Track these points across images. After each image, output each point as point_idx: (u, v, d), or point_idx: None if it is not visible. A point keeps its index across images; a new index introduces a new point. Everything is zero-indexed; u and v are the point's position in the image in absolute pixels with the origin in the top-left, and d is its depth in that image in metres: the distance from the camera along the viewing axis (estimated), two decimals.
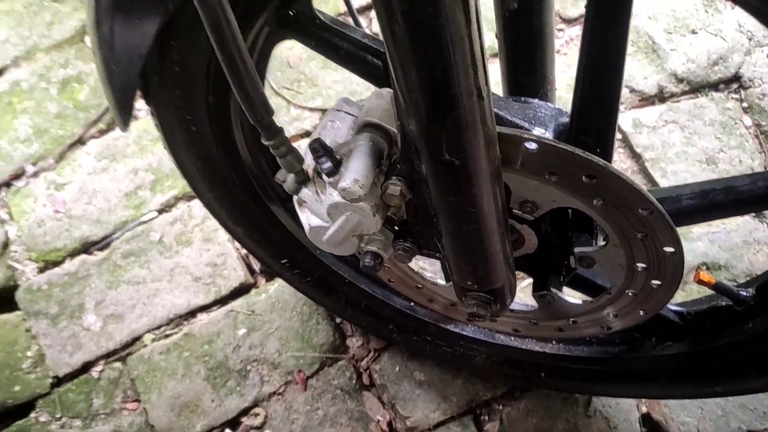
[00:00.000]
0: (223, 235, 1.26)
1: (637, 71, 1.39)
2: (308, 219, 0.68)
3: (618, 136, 1.35)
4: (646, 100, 1.38)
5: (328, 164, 0.60)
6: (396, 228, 0.72)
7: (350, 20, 0.81)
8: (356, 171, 0.58)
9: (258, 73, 0.82)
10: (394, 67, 0.46)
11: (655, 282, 0.67)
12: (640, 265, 0.65)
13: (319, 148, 0.59)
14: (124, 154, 1.34)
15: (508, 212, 0.64)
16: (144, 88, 0.71)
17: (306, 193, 0.64)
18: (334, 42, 0.67)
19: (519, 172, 0.59)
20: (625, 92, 1.37)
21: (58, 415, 1.18)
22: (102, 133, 1.37)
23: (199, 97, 0.70)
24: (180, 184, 1.31)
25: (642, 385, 0.94)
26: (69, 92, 1.39)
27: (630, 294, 0.70)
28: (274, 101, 1.38)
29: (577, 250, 0.70)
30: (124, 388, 1.20)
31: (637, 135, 1.35)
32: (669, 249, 0.62)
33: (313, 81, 1.39)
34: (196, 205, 1.29)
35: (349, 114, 0.67)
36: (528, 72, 0.74)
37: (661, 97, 1.38)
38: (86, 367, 1.21)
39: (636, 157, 1.33)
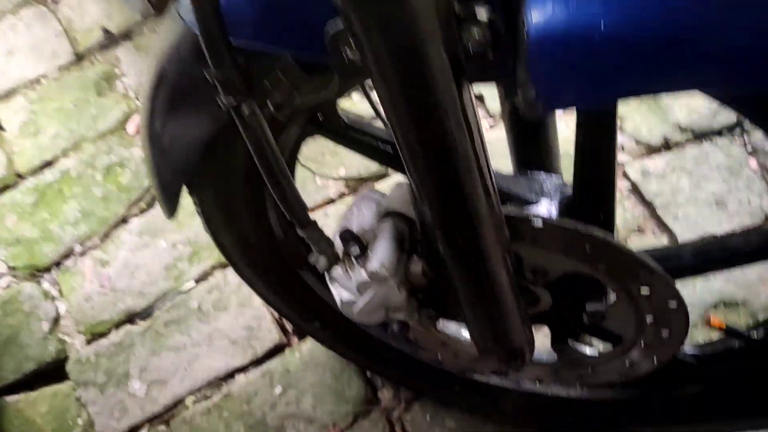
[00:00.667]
0: (257, 299, 1.34)
1: (642, 124, 1.46)
2: (339, 294, 0.75)
3: (628, 185, 1.42)
4: (653, 150, 1.45)
5: (356, 250, 0.68)
6: (420, 296, 0.78)
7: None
8: (382, 255, 0.67)
9: (290, 163, 0.91)
10: (409, 172, 0.54)
11: (664, 332, 0.72)
12: (648, 318, 0.71)
13: (348, 237, 0.68)
14: (163, 230, 1.45)
15: (521, 277, 0.70)
16: (188, 182, 0.79)
17: (337, 272, 0.72)
18: (356, 137, 0.77)
19: (529, 245, 0.67)
20: (631, 144, 1.45)
21: None
22: (142, 211, 1.48)
23: (238, 189, 0.79)
24: (216, 254, 1.40)
25: (665, 425, 0.97)
26: (113, 176, 1.51)
27: (642, 344, 0.75)
28: (300, 173, 1.49)
29: (588, 307, 0.76)
30: None
31: (647, 183, 1.41)
32: (672, 304, 0.67)
33: (335, 152, 1.49)
34: (231, 272, 1.37)
35: (373, 201, 0.75)
36: (533, 148, 0.82)
37: (666, 146, 1.45)
38: (132, 431, 1.27)
39: (647, 204, 1.39)
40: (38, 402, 1.30)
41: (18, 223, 1.47)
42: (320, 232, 0.67)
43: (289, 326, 1.33)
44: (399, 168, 0.77)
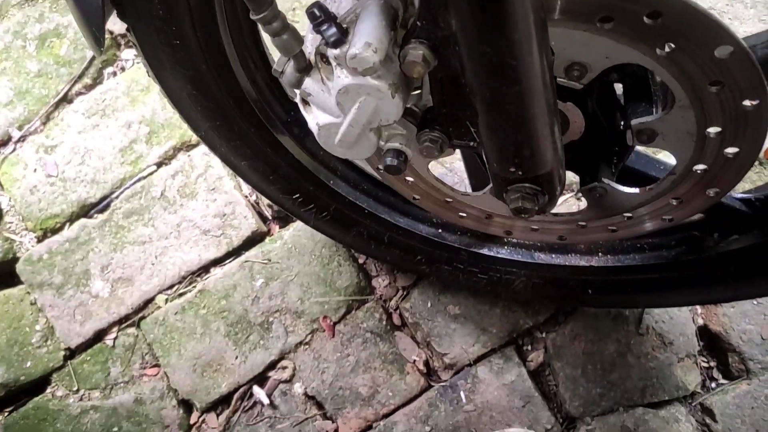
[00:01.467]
0: (228, 182, 1.17)
1: None
2: (316, 117, 0.59)
3: None
4: None
5: (332, 30, 0.50)
6: (419, 121, 0.62)
7: None
8: (367, 34, 0.49)
9: None
10: None
11: (731, 150, 0.57)
12: (714, 130, 0.56)
13: (320, 13, 0.50)
14: (114, 108, 1.25)
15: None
16: (117, 2, 0.62)
17: (310, 83, 0.55)
18: None
19: (563, 22, 0.50)
20: None
21: (75, 388, 1.12)
22: (88, 88, 1.28)
23: (181, 4, 0.61)
24: (178, 134, 1.21)
25: (704, 290, 0.85)
26: (48, 48, 1.29)
27: (699, 170, 0.61)
28: None
29: (634, 122, 0.60)
30: (141, 354, 1.12)
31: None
32: (750, 102, 0.52)
33: None
34: (197, 153, 1.20)
35: None
36: None
37: None
38: (99, 335, 1.14)
39: None
40: None
41: None
42: (283, 17, 0.50)
43: (267, 211, 1.18)
44: None
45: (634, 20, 0.49)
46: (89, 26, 0.56)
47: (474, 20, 0.45)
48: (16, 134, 1.25)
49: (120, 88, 1.26)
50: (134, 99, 1.25)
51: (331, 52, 0.52)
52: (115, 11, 0.61)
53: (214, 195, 1.18)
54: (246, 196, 1.18)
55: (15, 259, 1.18)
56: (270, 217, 1.18)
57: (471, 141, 0.59)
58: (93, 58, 1.27)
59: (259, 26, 0.52)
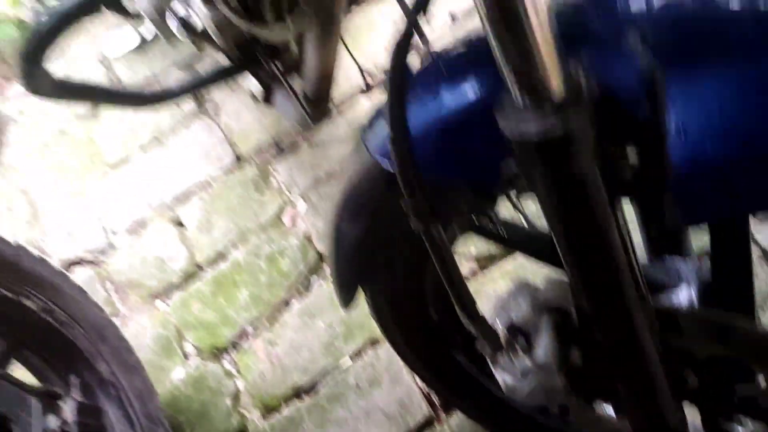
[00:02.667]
0: (406, 375, 1.48)
1: None
2: (504, 378, 0.86)
3: (758, 252, 1.41)
4: None
5: (522, 343, 0.78)
6: (578, 380, 0.86)
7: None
8: (544, 348, 0.77)
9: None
10: (569, 276, 0.63)
11: None
12: None
13: (515, 331, 0.79)
14: (320, 311, 1.64)
15: (669, 360, 0.75)
16: (361, 280, 0.93)
17: (502, 358, 0.83)
18: (510, 237, 0.87)
19: (676, 333, 0.73)
20: None
21: None
22: (300, 294, 1.69)
23: (403, 285, 0.93)
24: (367, 333, 1.56)
25: None
26: (274, 264, 1.74)
27: None
28: None
29: (738, 390, 0.79)
30: None
31: None
32: None
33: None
34: (382, 349, 1.53)
35: (528, 293, 0.82)
36: (666, 232, 0.89)
37: None
38: None
39: None
40: None
41: (202, 309, 1.73)
42: (488, 324, 0.78)
43: (436, 400, 1.46)
44: (552, 263, 0.84)
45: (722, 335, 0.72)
46: (342, 290, 0.90)
47: (611, 350, 0.70)
48: (250, 330, 1.67)
49: (324, 294, 1.66)
50: (334, 304, 1.63)
51: (519, 354, 0.80)
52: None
53: (395, 385, 1.49)
54: (420, 388, 1.47)
55: (245, 431, 1.56)
56: (438, 405, 1.46)
57: (615, 401, 0.83)
58: (308, 272, 1.69)
59: None
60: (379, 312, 1.02)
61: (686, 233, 0.89)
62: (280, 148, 1.90)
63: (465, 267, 1.60)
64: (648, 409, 0.78)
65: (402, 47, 0.54)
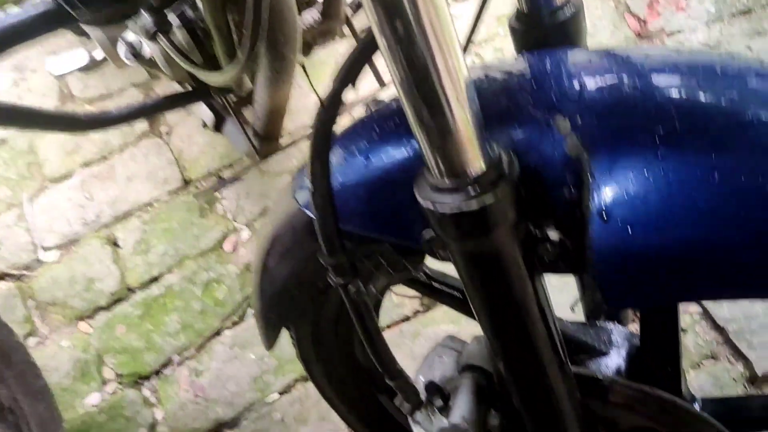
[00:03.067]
0: (335, 415, 1.41)
1: None
2: None
3: (699, 309, 1.43)
4: None
5: (439, 402, 0.76)
6: None
7: None
8: (463, 409, 0.74)
9: (376, 309, 1.02)
10: (487, 339, 0.62)
11: None
12: None
13: (433, 389, 0.77)
14: (252, 343, 1.57)
15: (591, 428, 0.74)
16: (286, 322, 0.90)
17: (420, 415, 0.80)
18: (438, 289, 0.86)
19: (598, 401, 0.71)
20: None
21: None
22: (234, 324, 1.62)
23: (330, 329, 0.90)
24: (298, 368, 1.50)
25: None
26: (210, 291, 1.67)
27: None
28: None
29: None
30: None
31: (718, 308, 1.42)
32: None
33: None
34: (312, 386, 1.46)
35: (454, 350, 0.82)
36: None
37: None
38: None
39: (719, 329, 1.40)
40: None
41: (126, 333, 1.64)
42: (407, 381, 0.75)
43: None
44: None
45: (650, 408, 0.70)
46: (265, 335, 0.86)
47: (532, 419, 0.68)
48: (176, 359, 1.59)
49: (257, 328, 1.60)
50: None
51: (437, 412, 0.77)
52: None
53: (322, 423, 1.42)
54: (348, 429, 1.41)
55: None
56: None
57: None
58: (243, 301, 1.63)
59: None
60: (303, 353, 0.98)
61: None
62: (228, 176, 1.87)
63: (408, 306, 1.57)
64: None
65: (329, 105, 0.53)
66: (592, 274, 0.50)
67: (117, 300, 1.70)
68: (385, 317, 1.55)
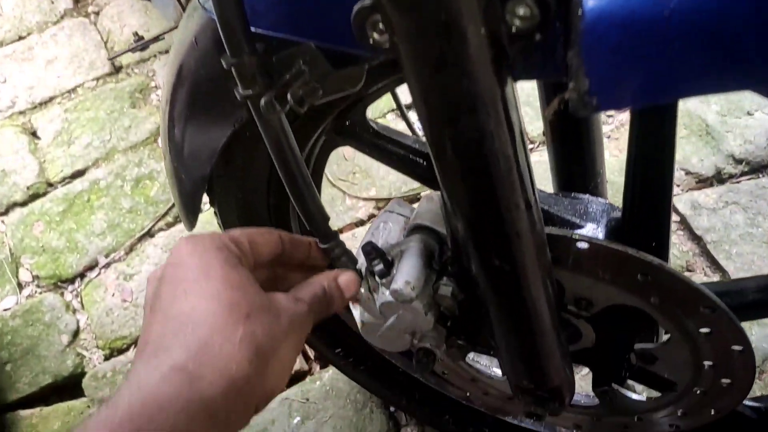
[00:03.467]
0: None
1: (692, 153, 1.38)
2: (361, 316, 0.69)
3: (676, 218, 1.33)
4: (704, 182, 1.36)
5: (380, 267, 0.62)
6: (449, 324, 0.72)
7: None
8: (408, 273, 0.60)
9: (316, 175, 0.86)
10: (441, 181, 0.48)
11: (725, 380, 0.63)
12: (707, 363, 0.62)
13: (372, 251, 0.62)
14: None
15: (562, 308, 0.63)
16: (209, 190, 0.76)
17: (359, 291, 0.66)
18: (386, 147, 0.71)
19: (571, 271, 0.59)
20: (680, 174, 1.36)
21: None
22: (169, 226, 1.45)
23: (260, 199, 0.75)
24: None
25: None
26: (141, 189, 1.49)
27: (698, 392, 0.67)
28: (330, 192, 1.44)
29: (637, 346, 0.68)
30: None
31: (697, 217, 1.32)
32: (737, 347, 0.59)
33: (367, 173, 1.44)
34: None
35: (401, 215, 0.69)
36: (577, 166, 0.75)
37: (719, 178, 1.36)
38: None
39: (696, 239, 1.30)
40: (51, 418, 1.26)
41: (45, 232, 1.46)
42: (343, 246, 0.61)
43: (311, 352, 1.27)
44: (430, 182, 0.70)
45: (629, 275, 0.57)
46: (185, 208, 0.70)
47: (492, 281, 0.55)
48: (102, 261, 1.42)
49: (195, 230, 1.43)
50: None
51: (378, 279, 0.63)
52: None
53: None
54: None
55: (83, 374, 1.31)
56: (312, 357, 1.27)
57: (491, 350, 0.68)
58: None
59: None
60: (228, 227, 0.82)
61: (600, 170, 0.76)
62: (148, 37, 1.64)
63: (363, 210, 1.42)
64: (531, 365, 0.63)
65: None
66: (578, 50, 0.34)
67: (34, 195, 1.51)
68: (338, 221, 1.40)
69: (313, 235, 0.60)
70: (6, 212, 1.49)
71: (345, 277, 0.60)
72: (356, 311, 0.70)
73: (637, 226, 0.60)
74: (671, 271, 0.55)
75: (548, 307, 0.57)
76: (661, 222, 0.61)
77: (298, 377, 1.24)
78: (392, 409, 1.18)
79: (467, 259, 0.55)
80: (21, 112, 1.61)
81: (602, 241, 0.57)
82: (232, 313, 0.47)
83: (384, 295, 0.62)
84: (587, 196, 0.65)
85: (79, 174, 1.52)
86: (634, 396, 0.75)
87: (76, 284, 1.40)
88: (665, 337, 0.66)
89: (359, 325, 0.69)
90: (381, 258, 0.60)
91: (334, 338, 1.01)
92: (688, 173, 1.35)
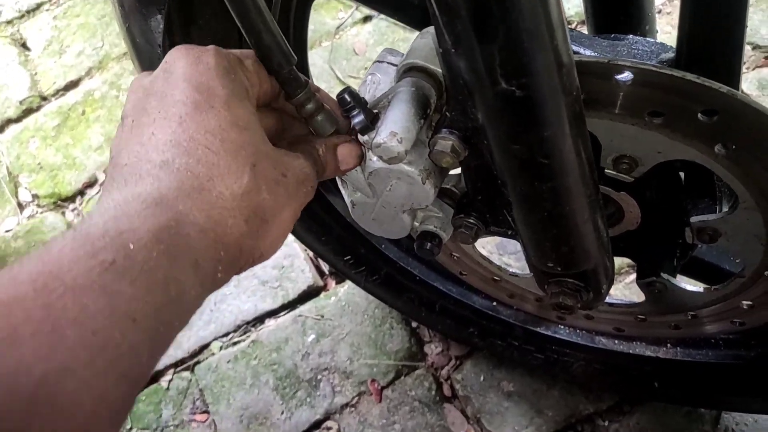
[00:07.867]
0: (289, 235, 1.18)
1: (762, 23, 1.17)
2: (351, 195, 0.57)
3: None
4: None
5: (360, 118, 0.49)
6: (457, 203, 0.59)
7: None
8: (394, 122, 0.47)
9: (299, 41, 0.72)
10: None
11: None
12: None
13: (349, 99, 0.48)
14: None
15: (599, 174, 0.49)
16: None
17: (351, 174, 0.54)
18: None
19: (609, 116, 0.45)
20: (746, 49, 1.16)
21: (128, 426, 1.14)
22: None
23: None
24: None
25: None
26: None
27: None
28: (340, 88, 1.30)
29: (694, 219, 0.54)
30: (193, 399, 1.13)
31: (765, 99, 1.13)
32: None
33: None
34: None
35: (392, 65, 0.56)
36: (619, 6, 0.59)
37: None
38: (155, 376, 1.16)
39: None
40: None
41: (41, 149, 1.37)
42: (317, 99, 0.49)
43: (325, 266, 1.17)
44: (426, 23, 0.57)
45: (687, 116, 0.43)
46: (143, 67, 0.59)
47: (501, 117, 0.41)
48: (101, 177, 1.32)
49: None
50: None
51: (361, 138, 0.50)
52: None
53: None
54: (305, 250, 1.18)
55: None
56: (327, 272, 1.17)
57: (508, 229, 0.55)
58: None
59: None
60: None
61: (646, 9, 0.59)
62: None
63: None
64: (560, 242, 0.50)
65: None
66: None
67: (28, 110, 1.41)
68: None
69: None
70: (1, 129, 1.40)
71: (345, 149, 0.49)
72: (345, 191, 0.58)
73: (697, 62, 0.45)
74: (746, 101, 0.41)
75: (578, 156, 0.43)
76: (730, 51, 0.46)
77: (311, 293, 1.15)
78: (414, 324, 1.08)
79: (469, 94, 0.41)
80: (8, 22, 1.49)
81: (651, 65, 0.43)
82: (236, 158, 0.40)
83: (371, 161, 0.50)
84: (631, 36, 0.50)
85: (72, 85, 1.41)
86: (689, 287, 0.62)
87: (77, 202, 1.32)
88: (729, 208, 0.52)
89: (349, 207, 0.57)
90: (361, 108, 0.47)
91: (342, 245, 0.89)
92: (756, 47, 1.16)
